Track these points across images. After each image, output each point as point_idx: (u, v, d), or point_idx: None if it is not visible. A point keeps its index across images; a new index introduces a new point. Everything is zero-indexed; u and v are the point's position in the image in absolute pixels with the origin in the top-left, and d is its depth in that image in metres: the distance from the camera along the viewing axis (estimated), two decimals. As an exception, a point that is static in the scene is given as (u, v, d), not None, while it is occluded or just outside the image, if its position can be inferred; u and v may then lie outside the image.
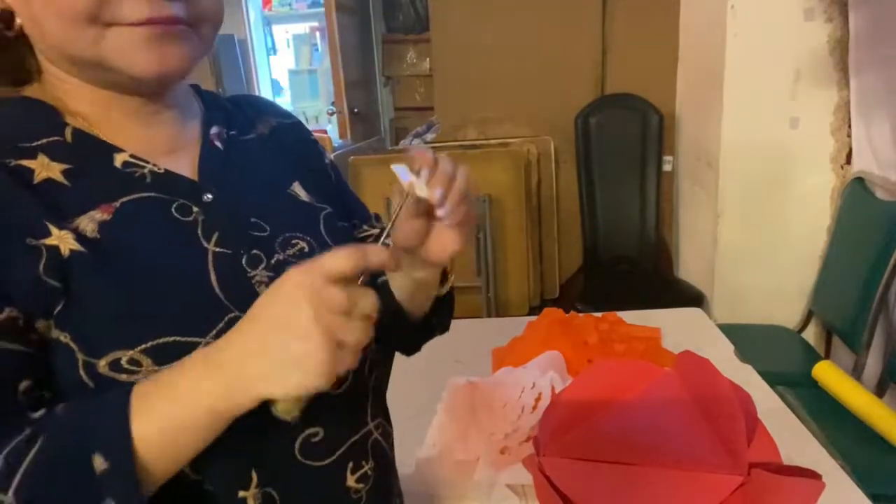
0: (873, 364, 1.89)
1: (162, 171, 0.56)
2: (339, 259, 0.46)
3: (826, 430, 1.16)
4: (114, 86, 0.54)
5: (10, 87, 0.56)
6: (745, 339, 1.56)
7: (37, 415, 0.47)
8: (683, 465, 0.78)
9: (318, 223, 0.65)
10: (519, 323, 1.53)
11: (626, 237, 2.89)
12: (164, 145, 0.58)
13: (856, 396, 1.61)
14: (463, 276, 2.67)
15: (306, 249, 0.61)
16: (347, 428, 0.61)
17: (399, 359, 0.77)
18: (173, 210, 0.55)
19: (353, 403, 0.62)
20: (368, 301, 0.46)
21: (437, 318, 0.72)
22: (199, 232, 0.56)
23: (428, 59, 3.37)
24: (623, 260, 2.91)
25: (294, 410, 0.47)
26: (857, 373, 1.85)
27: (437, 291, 0.70)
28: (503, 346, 1.46)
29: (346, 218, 0.71)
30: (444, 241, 0.60)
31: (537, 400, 1.08)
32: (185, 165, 0.59)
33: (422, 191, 0.55)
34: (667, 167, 2.90)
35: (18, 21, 0.52)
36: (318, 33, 5.28)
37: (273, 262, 0.58)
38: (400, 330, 0.69)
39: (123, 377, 0.48)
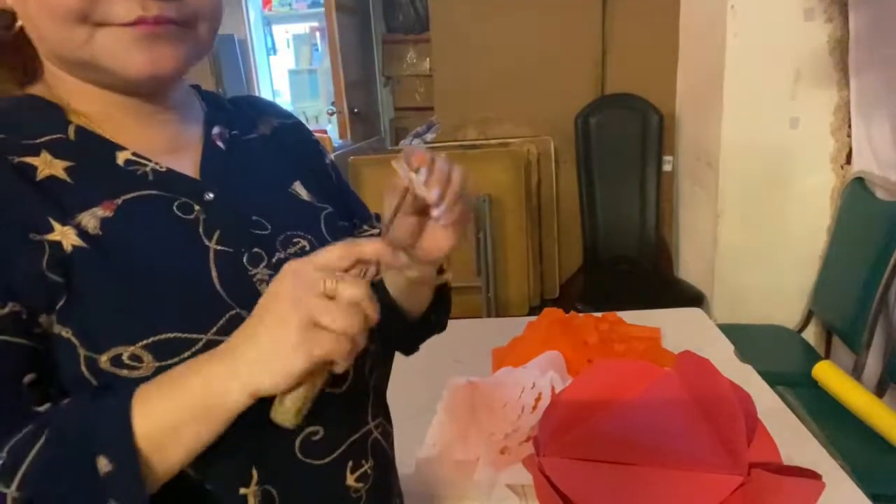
0: (873, 364, 1.89)
1: (164, 169, 0.57)
2: (333, 250, 0.47)
3: (826, 430, 1.16)
4: (110, 86, 0.54)
5: (16, 85, 0.56)
6: (745, 339, 1.57)
7: (42, 409, 0.47)
8: (683, 465, 0.78)
9: (319, 222, 0.65)
10: (519, 323, 1.53)
11: (626, 237, 2.89)
12: (166, 145, 0.58)
13: (856, 396, 1.61)
14: (463, 276, 2.67)
15: (307, 248, 0.61)
16: (347, 427, 0.61)
17: (399, 359, 0.77)
18: (175, 208, 0.55)
19: (353, 402, 0.62)
20: (356, 289, 0.46)
21: (436, 315, 0.72)
22: (201, 230, 0.56)
23: (428, 59, 3.38)
24: (623, 260, 2.91)
25: (292, 417, 0.47)
26: (857, 373, 1.85)
27: (433, 284, 0.70)
28: (503, 346, 1.46)
29: (347, 218, 0.71)
30: (438, 240, 0.60)
31: (537, 400, 1.08)
32: (188, 165, 0.59)
33: (420, 190, 0.55)
34: (667, 167, 2.90)
35: (19, 22, 0.53)
36: (318, 33, 5.28)
37: (274, 260, 0.58)
38: (397, 328, 0.69)
39: (125, 373, 0.48)
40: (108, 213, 0.52)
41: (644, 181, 2.86)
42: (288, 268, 0.47)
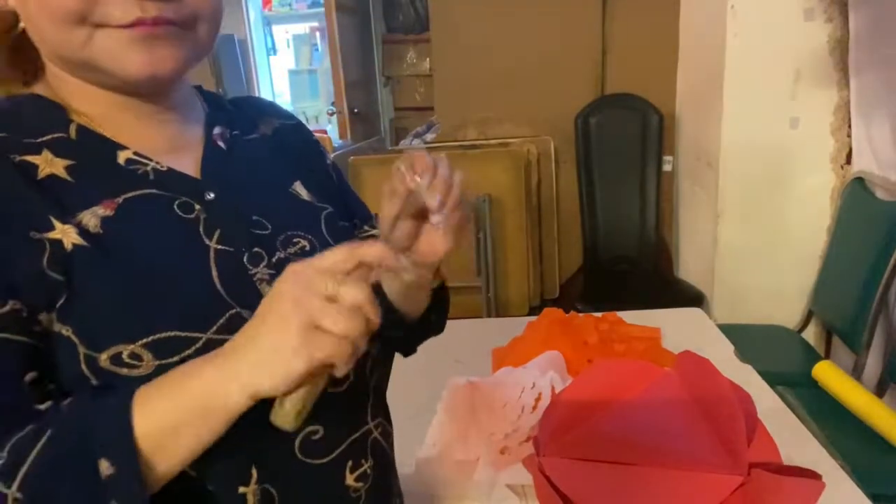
0: (873, 364, 1.89)
1: (165, 168, 0.57)
2: (335, 253, 0.46)
3: (826, 430, 1.16)
4: (111, 86, 0.54)
5: (19, 84, 0.57)
6: (745, 339, 1.57)
7: (43, 407, 0.47)
8: (683, 465, 0.78)
9: (320, 222, 0.65)
10: (519, 323, 1.53)
11: (626, 237, 2.89)
12: (167, 144, 0.58)
13: (856, 396, 1.61)
14: (463, 276, 2.67)
15: (307, 248, 0.61)
16: (347, 427, 0.61)
17: (399, 359, 0.77)
18: (175, 207, 0.56)
19: (353, 402, 0.62)
20: (358, 292, 0.45)
21: (434, 316, 0.73)
22: (201, 229, 0.56)
23: (428, 59, 3.38)
24: (623, 260, 2.91)
25: (292, 419, 0.47)
26: (857, 373, 1.85)
27: (430, 286, 0.70)
28: (503, 346, 1.46)
29: (348, 218, 0.71)
30: (435, 243, 0.60)
31: (537, 400, 1.08)
32: (189, 164, 0.59)
33: (423, 195, 0.56)
34: (667, 167, 2.90)
35: (21, 23, 0.53)
36: (318, 33, 5.28)
37: (274, 259, 0.58)
38: (395, 330, 0.69)
39: (125, 371, 0.48)
40: (109, 212, 0.52)
41: (644, 181, 2.85)
42: (290, 270, 0.46)
